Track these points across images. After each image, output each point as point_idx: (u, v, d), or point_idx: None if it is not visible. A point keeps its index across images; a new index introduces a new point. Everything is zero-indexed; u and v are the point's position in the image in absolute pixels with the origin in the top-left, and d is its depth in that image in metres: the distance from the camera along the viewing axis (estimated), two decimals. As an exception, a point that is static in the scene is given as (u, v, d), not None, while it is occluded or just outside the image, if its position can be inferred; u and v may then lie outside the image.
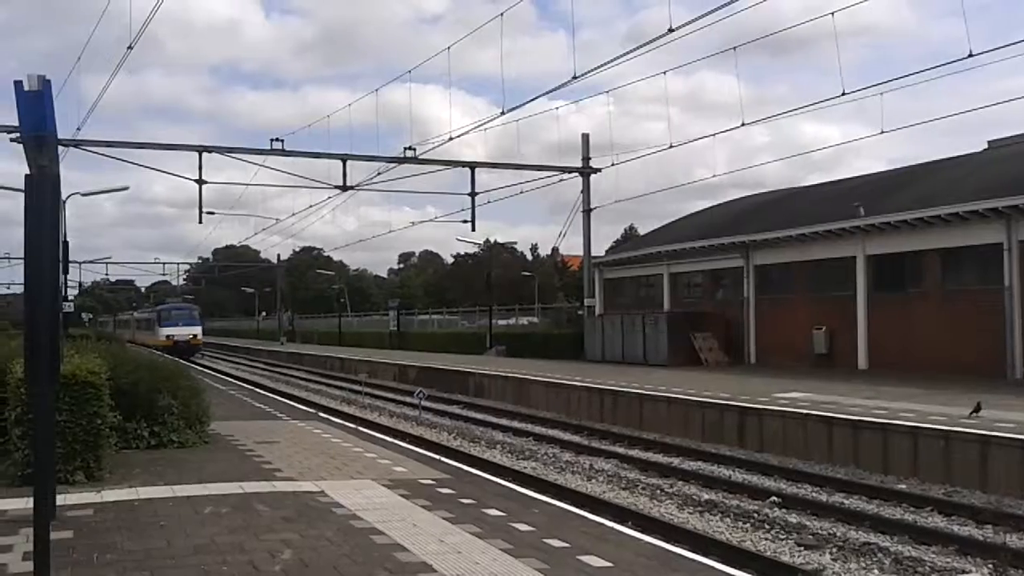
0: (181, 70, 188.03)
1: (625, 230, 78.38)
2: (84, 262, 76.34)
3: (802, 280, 29.47)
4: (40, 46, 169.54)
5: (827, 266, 28.25)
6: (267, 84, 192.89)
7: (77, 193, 40.25)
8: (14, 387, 9.06)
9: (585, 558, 6.47)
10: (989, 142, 30.19)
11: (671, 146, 29.41)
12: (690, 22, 18.20)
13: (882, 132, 23.95)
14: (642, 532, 8.12)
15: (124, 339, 59.23)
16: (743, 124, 26.73)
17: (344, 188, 33.02)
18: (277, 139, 31.37)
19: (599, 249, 44.31)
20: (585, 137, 37.43)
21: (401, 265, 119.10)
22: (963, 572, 8.62)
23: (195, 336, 54.77)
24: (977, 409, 14.43)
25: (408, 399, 25.24)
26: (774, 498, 11.97)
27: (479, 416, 22.73)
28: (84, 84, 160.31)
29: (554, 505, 8.85)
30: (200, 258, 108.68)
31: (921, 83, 27.22)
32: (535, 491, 10.12)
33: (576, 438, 18.41)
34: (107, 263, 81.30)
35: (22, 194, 5.37)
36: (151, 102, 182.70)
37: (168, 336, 53.17)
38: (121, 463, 10.30)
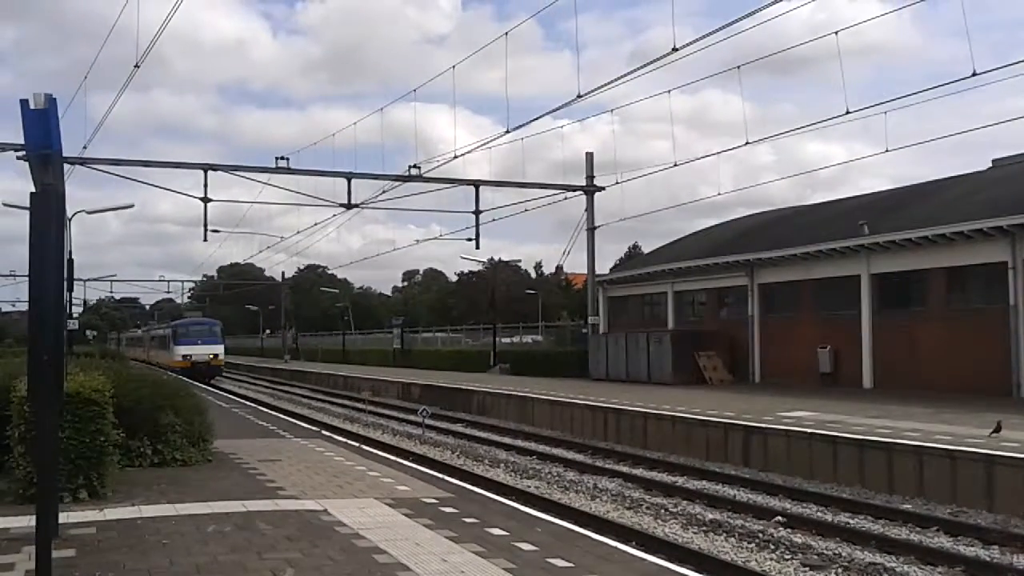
0: (189, 89, 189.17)
1: (629, 248, 78.35)
2: (89, 280, 76.51)
3: (807, 298, 29.43)
4: (50, 65, 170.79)
5: (832, 284, 28.21)
6: (274, 103, 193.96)
7: (82, 211, 40.40)
8: (18, 404, 9.07)
9: (589, 578, 6.43)
10: (994, 160, 30.20)
11: (675, 164, 29.49)
12: (693, 41, 18.30)
13: (887, 150, 24.10)
14: (646, 552, 8.09)
15: (137, 359, 56.50)
16: (747, 143, 26.63)
17: (349, 206, 33.10)
18: (282, 157, 31.48)
19: (603, 267, 44.27)
20: (589, 156, 37.47)
21: (405, 283, 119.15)
22: None
23: (216, 356, 48.17)
24: (998, 429, 14.39)
25: (412, 417, 25.22)
26: (779, 518, 11.92)
27: (482, 435, 22.67)
28: (92, 103, 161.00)
29: (558, 524, 8.81)
30: (205, 276, 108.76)
31: (925, 102, 27.29)
32: (539, 510, 10.08)
33: (580, 457, 18.35)
34: (112, 281, 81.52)
35: (28, 211, 5.39)
36: (159, 121, 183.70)
37: (185, 356, 46.91)
38: (124, 481, 10.29)
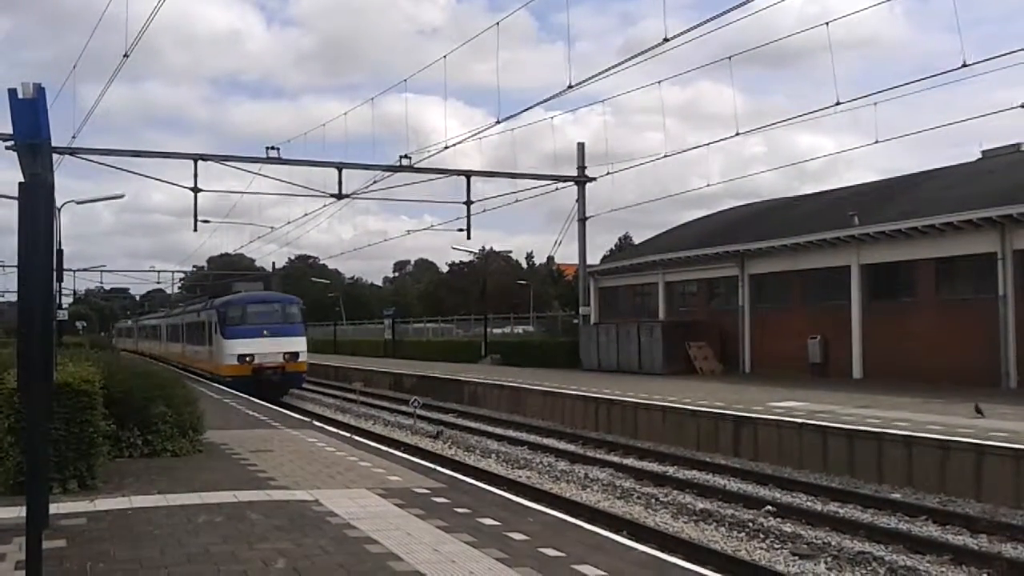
0: (182, 80, 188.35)
1: (620, 239, 78.62)
2: (78, 270, 76.13)
3: (797, 289, 29.50)
4: (42, 56, 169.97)
5: (822, 275, 28.28)
6: (267, 94, 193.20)
7: (72, 201, 40.25)
8: (7, 395, 9.03)
9: (580, 567, 6.45)
10: (983, 152, 30.29)
11: (665, 156, 29.48)
12: (684, 32, 18.24)
13: (876, 142, 24.07)
14: (637, 541, 8.11)
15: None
16: (738, 134, 26.68)
17: (339, 196, 33.01)
18: (273, 147, 31.37)
19: (594, 258, 44.40)
20: (580, 146, 37.45)
21: (396, 273, 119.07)
22: None
23: (294, 356, 29.66)
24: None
25: (403, 408, 25.21)
26: (769, 507, 11.97)
27: (474, 425, 22.70)
28: (85, 94, 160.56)
29: (549, 514, 8.83)
30: (195, 266, 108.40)
31: (915, 93, 27.26)
32: (530, 500, 10.11)
33: (571, 447, 18.39)
34: (101, 271, 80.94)
35: (16, 202, 5.37)
36: (152, 112, 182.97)
37: (243, 357, 29.03)
38: (114, 472, 10.27)
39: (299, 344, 29.94)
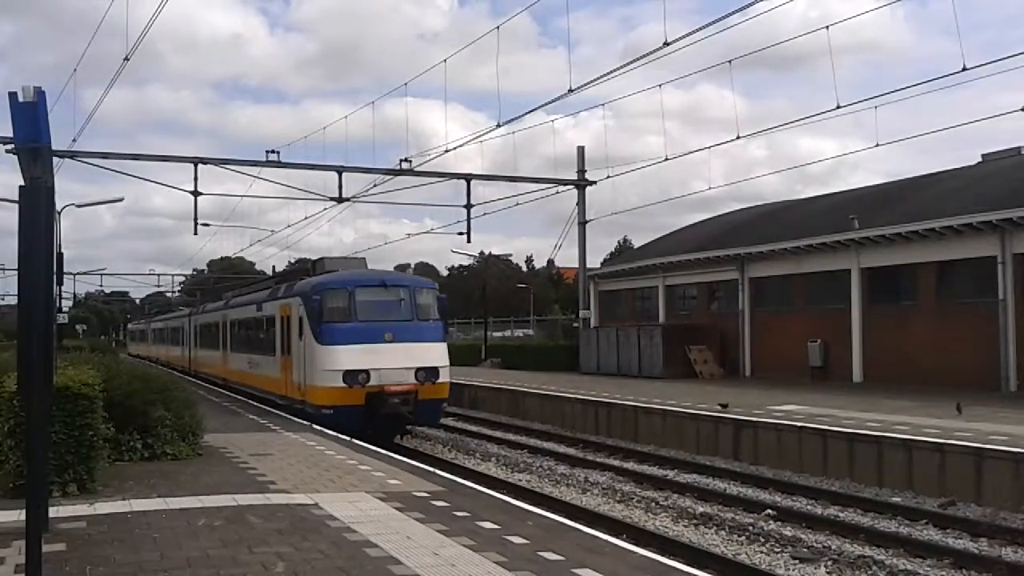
0: (184, 84, 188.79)
1: (619, 242, 78.62)
2: (78, 273, 75.97)
3: (797, 292, 29.50)
4: (46, 60, 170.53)
5: (822, 279, 28.28)
6: (268, 98, 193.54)
7: (72, 204, 40.25)
8: (7, 399, 9.03)
9: (580, 571, 6.45)
10: (983, 155, 30.28)
11: (666, 159, 29.39)
12: (684, 36, 18.21)
13: (877, 145, 23.92)
14: (637, 545, 8.10)
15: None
16: (739, 137, 26.74)
17: (340, 200, 32.98)
18: (273, 151, 31.34)
19: (595, 261, 44.36)
20: (580, 150, 37.40)
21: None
22: None
23: (432, 375, 18.34)
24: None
25: (403, 411, 25.13)
26: (769, 511, 11.97)
27: (474, 428, 22.68)
28: (85, 96, 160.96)
29: (549, 518, 8.82)
30: (195, 270, 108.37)
31: (916, 97, 27.12)
32: (530, 504, 10.09)
33: (571, 451, 18.39)
34: (102, 274, 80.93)
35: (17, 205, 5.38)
36: (154, 116, 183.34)
37: (352, 375, 17.75)
38: (114, 475, 10.27)
39: (439, 355, 18.94)
